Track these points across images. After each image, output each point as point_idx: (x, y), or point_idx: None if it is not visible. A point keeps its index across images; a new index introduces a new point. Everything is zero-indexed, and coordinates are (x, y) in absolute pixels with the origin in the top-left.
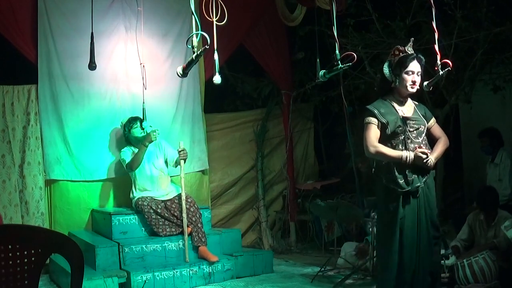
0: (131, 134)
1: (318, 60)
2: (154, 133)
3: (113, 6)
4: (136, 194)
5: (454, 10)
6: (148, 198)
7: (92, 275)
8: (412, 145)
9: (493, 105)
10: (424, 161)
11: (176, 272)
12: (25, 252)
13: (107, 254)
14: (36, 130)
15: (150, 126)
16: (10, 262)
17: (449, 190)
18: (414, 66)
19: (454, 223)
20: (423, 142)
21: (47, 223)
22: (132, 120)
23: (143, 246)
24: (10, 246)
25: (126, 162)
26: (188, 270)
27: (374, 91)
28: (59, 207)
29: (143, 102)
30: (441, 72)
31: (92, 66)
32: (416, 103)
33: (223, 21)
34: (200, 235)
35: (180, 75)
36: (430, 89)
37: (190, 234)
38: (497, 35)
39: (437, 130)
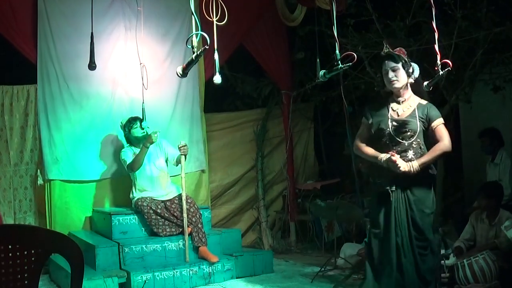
0: (131, 134)
1: (318, 60)
2: (155, 135)
3: (113, 6)
4: (136, 194)
5: (454, 10)
6: (148, 198)
7: (92, 275)
8: (396, 147)
9: (493, 105)
10: (398, 167)
11: (176, 272)
12: (25, 252)
13: (107, 254)
14: (35, 130)
15: (148, 127)
16: (10, 262)
17: (449, 190)
18: (387, 65)
19: (454, 223)
20: (413, 145)
21: (37, 222)
22: (132, 120)
23: (143, 246)
24: (10, 246)
25: (127, 163)
26: (188, 270)
27: (374, 91)
28: (59, 207)
29: (143, 102)
30: (441, 72)
31: (92, 66)
32: (423, 102)
33: (223, 21)
34: (200, 235)
35: (179, 75)
36: (430, 89)
37: (190, 234)
38: (497, 35)
39: (437, 133)
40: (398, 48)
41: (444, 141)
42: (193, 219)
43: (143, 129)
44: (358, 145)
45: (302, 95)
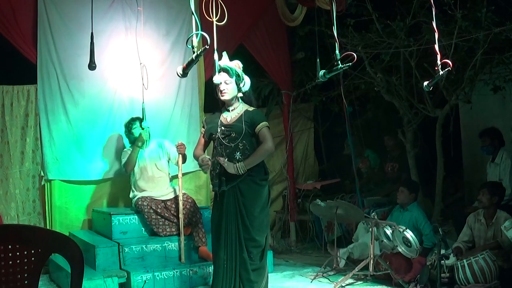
0: (131, 135)
1: (318, 60)
2: (145, 133)
3: (113, 6)
4: (136, 193)
5: (454, 10)
6: (148, 198)
7: (92, 275)
8: (224, 150)
9: (493, 105)
10: (215, 167)
11: (176, 272)
12: (25, 252)
13: (107, 254)
14: (35, 131)
15: (148, 127)
16: (10, 262)
17: (449, 190)
18: (217, 78)
19: (454, 223)
20: (240, 146)
21: (42, 223)
22: (132, 121)
23: (143, 246)
24: (10, 246)
25: (122, 163)
26: (188, 270)
27: (374, 91)
28: (59, 207)
29: (143, 102)
30: (441, 72)
31: (92, 66)
32: (251, 109)
33: (223, 21)
34: (200, 235)
35: (179, 75)
36: (430, 89)
37: (190, 234)
38: (497, 35)
39: (261, 135)
40: (235, 61)
41: (268, 143)
42: (193, 219)
43: (143, 129)
44: (194, 150)
45: (302, 95)
